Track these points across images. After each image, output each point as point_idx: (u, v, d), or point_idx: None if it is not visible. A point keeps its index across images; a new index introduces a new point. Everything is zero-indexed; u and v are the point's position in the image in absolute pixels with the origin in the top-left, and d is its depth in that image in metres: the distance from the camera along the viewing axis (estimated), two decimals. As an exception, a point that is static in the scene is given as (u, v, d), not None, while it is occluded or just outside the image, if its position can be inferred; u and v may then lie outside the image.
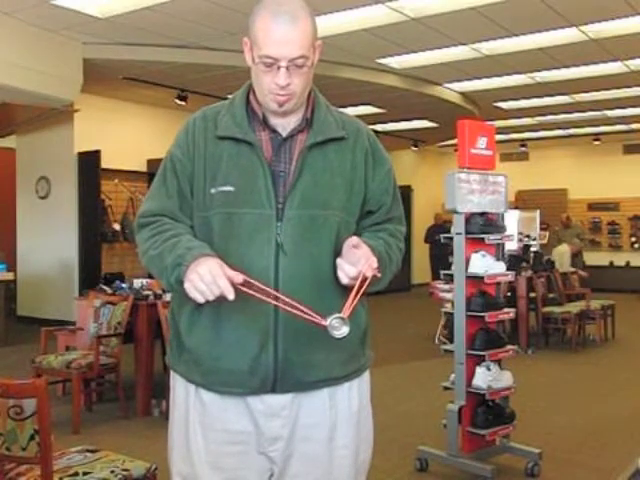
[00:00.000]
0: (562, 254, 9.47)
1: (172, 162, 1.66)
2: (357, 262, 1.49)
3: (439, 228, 13.10)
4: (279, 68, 1.51)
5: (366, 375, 1.74)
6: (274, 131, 1.62)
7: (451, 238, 3.79)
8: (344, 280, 1.51)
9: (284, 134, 1.62)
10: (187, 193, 1.64)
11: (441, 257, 11.92)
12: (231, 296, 1.42)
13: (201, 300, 1.44)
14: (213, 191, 1.59)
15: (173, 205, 1.64)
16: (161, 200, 1.65)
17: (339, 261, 1.51)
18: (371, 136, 1.72)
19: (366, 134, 1.71)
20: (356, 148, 1.66)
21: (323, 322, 1.47)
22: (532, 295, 7.92)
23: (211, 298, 1.43)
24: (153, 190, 1.69)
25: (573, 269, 9.56)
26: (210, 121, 1.65)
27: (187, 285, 1.45)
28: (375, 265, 1.50)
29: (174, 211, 1.64)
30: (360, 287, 1.49)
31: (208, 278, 1.42)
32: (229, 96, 1.73)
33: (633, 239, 14.90)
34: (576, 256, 11.65)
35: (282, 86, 1.53)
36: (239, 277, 1.44)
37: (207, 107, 1.71)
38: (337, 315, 1.47)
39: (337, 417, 1.65)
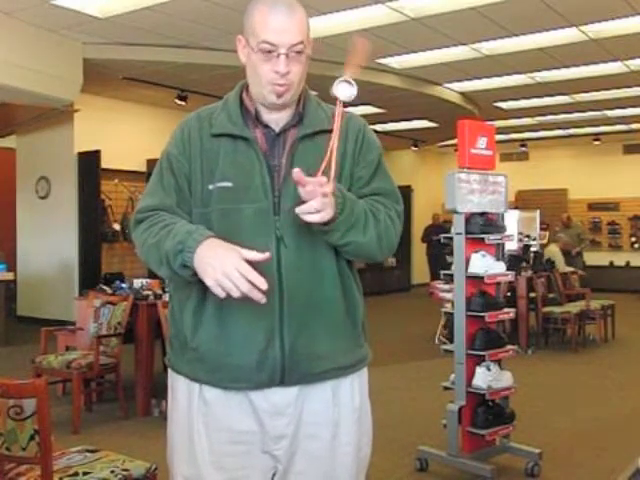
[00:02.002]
0: (553, 254, 9.46)
1: (169, 160, 1.67)
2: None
3: (437, 228, 13.14)
4: (278, 56, 1.53)
5: (365, 370, 1.76)
6: (267, 127, 1.64)
7: (451, 238, 3.80)
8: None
9: (277, 129, 1.64)
10: (185, 190, 1.64)
11: (438, 257, 11.95)
12: (264, 286, 1.39)
13: (223, 295, 1.42)
14: (211, 187, 1.60)
15: (171, 201, 1.64)
16: (158, 197, 1.65)
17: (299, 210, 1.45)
18: (362, 125, 1.73)
19: (357, 124, 1.72)
20: (347, 138, 1.67)
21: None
22: (532, 295, 7.91)
23: (237, 295, 1.40)
24: (150, 188, 1.69)
25: (571, 269, 9.55)
26: (205, 121, 1.67)
27: (211, 284, 1.42)
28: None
29: (172, 207, 1.64)
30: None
31: (236, 275, 1.39)
32: (229, 96, 1.74)
33: (633, 239, 14.90)
34: (576, 256, 11.64)
35: (282, 73, 1.54)
36: (265, 255, 1.43)
37: (200, 109, 1.73)
38: (343, 78, 1.47)
39: (340, 414, 1.66)
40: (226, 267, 1.40)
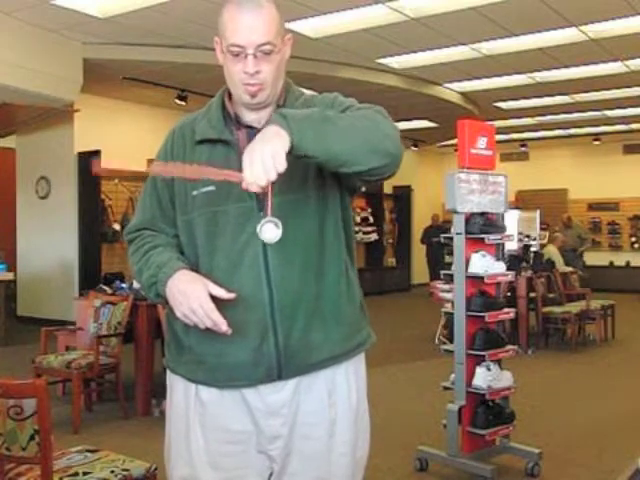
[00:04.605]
0: (551, 254, 9.47)
1: (153, 174, 1.72)
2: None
3: (435, 229, 13.10)
4: (246, 56, 1.53)
5: (362, 369, 1.75)
6: (250, 127, 1.64)
7: (451, 238, 3.80)
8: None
9: (260, 127, 1.63)
10: (167, 202, 1.69)
11: (438, 259, 11.93)
12: (224, 328, 1.48)
13: (192, 325, 1.52)
14: (195, 193, 1.63)
15: (153, 217, 1.71)
16: (142, 214, 1.74)
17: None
18: (338, 97, 1.69)
19: (335, 100, 1.68)
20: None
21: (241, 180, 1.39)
22: (532, 295, 7.91)
23: (203, 327, 1.50)
24: (138, 205, 1.78)
25: (570, 268, 9.55)
26: (188, 128, 1.70)
27: (180, 316, 1.52)
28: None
29: (154, 222, 1.70)
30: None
31: (200, 313, 1.48)
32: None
33: (633, 239, 14.90)
34: (579, 255, 11.63)
35: (251, 74, 1.54)
36: (230, 295, 1.50)
37: (186, 116, 1.75)
38: (268, 219, 1.42)
39: (337, 414, 1.66)
40: (192, 303, 1.49)
